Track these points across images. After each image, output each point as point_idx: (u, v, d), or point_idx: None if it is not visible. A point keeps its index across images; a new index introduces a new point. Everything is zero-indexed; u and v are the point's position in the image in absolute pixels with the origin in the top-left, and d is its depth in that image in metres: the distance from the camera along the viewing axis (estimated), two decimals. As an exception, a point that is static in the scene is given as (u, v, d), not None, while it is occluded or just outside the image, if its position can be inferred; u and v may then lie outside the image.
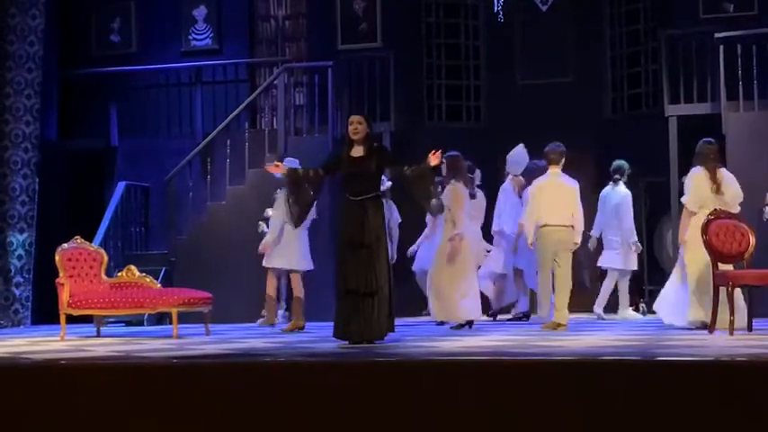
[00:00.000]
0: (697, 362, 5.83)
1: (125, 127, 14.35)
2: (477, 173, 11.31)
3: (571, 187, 9.88)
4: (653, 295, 11.67)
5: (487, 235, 11.63)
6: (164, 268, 12.95)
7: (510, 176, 11.68)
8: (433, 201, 8.37)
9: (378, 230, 8.08)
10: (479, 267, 11.02)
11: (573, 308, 10.04)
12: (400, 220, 11.69)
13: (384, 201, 8.55)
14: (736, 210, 9.28)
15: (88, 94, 14.38)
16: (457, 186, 10.15)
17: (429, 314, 10.85)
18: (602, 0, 14.19)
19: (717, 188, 9.37)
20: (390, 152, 8.76)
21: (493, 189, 11.79)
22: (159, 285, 10.59)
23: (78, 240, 10.54)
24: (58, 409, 5.78)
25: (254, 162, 13.16)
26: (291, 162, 10.81)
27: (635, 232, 11.71)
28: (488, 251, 11.54)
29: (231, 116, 13.52)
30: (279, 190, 10.63)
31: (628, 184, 11.85)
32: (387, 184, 10.09)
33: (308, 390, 5.60)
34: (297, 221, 8.74)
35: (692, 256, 9.30)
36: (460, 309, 10.04)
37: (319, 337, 8.98)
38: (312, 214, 9.39)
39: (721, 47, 12.21)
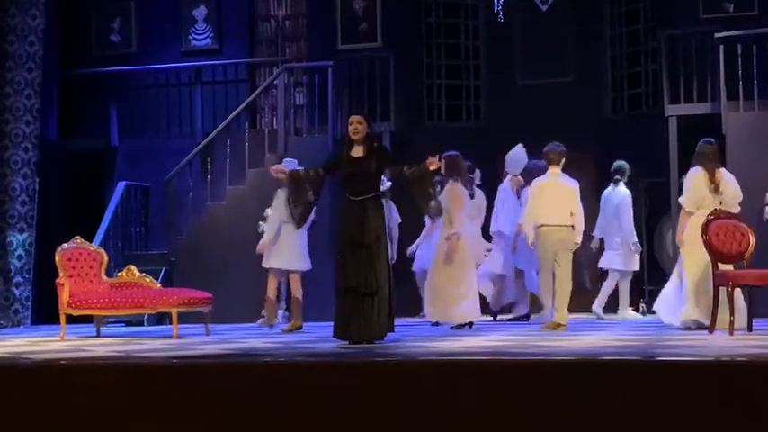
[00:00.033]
0: (697, 362, 5.83)
1: (125, 127, 14.35)
2: (477, 173, 11.31)
3: (571, 187, 9.88)
4: (653, 295, 11.67)
5: (487, 235, 11.63)
6: (164, 268, 12.95)
7: (508, 176, 11.68)
8: (432, 203, 8.38)
9: (378, 230, 8.08)
10: (478, 267, 11.02)
11: (573, 308, 10.04)
12: (400, 221, 11.70)
13: (384, 201, 8.56)
14: (736, 210, 9.28)
15: (88, 94, 14.38)
16: (455, 186, 10.15)
17: (424, 315, 10.85)
18: (602, 0, 14.19)
19: (715, 188, 9.36)
20: (390, 152, 8.76)
21: (493, 189, 11.78)
22: (159, 285, 10.59)
23: (78, 240, 10.55)
24: (58, 409, 5.78)
25: (254, 162, 13.17)
26: (290, 163, 10.83)
27: (635, 233, 11.69)
28: (488, 251, 11.54)
29: (231, 116, 13.52)
30: (279, 190, 10.63)
31: (628, 185, 11.85)
32: (387, 184, 10.09)
33: (308, 390, 5.60)
34: (299, 222, 8.76)
35: (690, 256, 9.30)
36: (459, 309, 10.04)
37: (319, 337, 8.98)
38: (311, 215, 9.39)
39: (721, 47, 12.21)
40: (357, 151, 8.19)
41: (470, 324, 10.07)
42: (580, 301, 11.47)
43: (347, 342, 7.99)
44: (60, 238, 10.68)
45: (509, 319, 11.63)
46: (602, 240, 11.88)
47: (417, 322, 10.88)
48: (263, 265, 10.66)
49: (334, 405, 5.53)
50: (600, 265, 11.89)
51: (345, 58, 13.64)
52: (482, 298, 10.84)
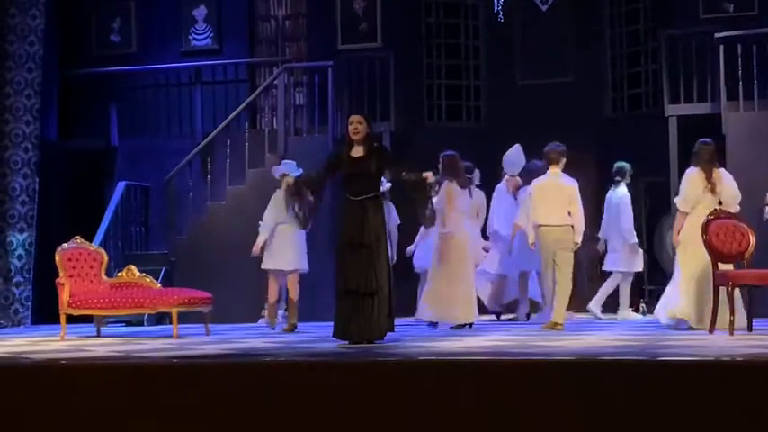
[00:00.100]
0: (697, 362, 5.83)
1: (125, 127, 14.35)
2: (477, 173, 11.31)
3: (570, 187, 9.88)
4: (653, 295, 11.68)
5: (485, 236, 11.63)
6: (164, 268, 12.95)
7: (506, 176, 11.68)
8: (427, 212, 8.42)
9: (378, 230, 8.08)
10: (477, 267, 11.04)
11: (573, 308, 10.04)
12: (399, 222, 11.71)
13: (384, 202, 8.56)
14: (736, 209, 9.28)
15: (88, 94, 14.38)
16: (450, 186, 10.17)
17: (419, 318, 10.84)
18: (602, 0, 14.19)
19: (712, 188, 9.35)
20: (390, 153, 8.75)
21: (493, 189, 11.78)
22: (159, 285, 10.59)
23: (78, 240, 10.55)
24: (58, 409, 5.78)
25: (254, 162, 13.17)
26: (289, 164, 10.83)
27: (634, 233, 11.65)
28: (487, 251, 11.54)
29: (231, 116, 13.52)
30: (277, 191, 10.64)
31: (629, 185, 11.83)
32: (387, 185, 10.10)
33: (308, 390, 5.60)
34: (304, 225, 8.80)
35: (686, 255, 9.31)
36: (457, 309, 10.04)
37: (319, 337, 8.98)
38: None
39: (721, 47, 12.21)
40: (357, 151, 8.20)
41: (470, 324, 10.08)
42: (580, 301, 11.47)
43: (347, 342, 7.99)
44: (60, 238, 10.68)
45: (509, 319, 11.63)
46: (606, 242, 11.87)
47: (417, 322, 10.88)
48: (262, 267, 10.66)
49: (334, 405, 5.53)
50: (604, 267, 11.86)
51: (345, 58, 13.64)
52: (478, 299, 10.84)
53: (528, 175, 11.03)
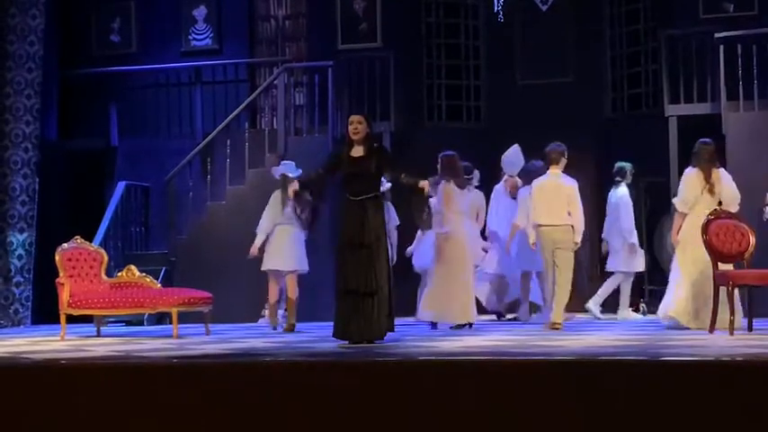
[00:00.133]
0: (697, 362, 5.83)
1: (125, 127, 14.35)
2: (476, 174, 11.30)
3: (570, 187, 9.88)
4: (653, 295, 11.68)
5: (484, 236, 11.62)
6: (164, 268, 12.95)
7: (505, 177, 11.67)
8: (424, 216, 8.43)
9: (378, 230, 8.08)
10: (477, 267, 11.04)
11: (573, 308, 10.03)
12: (398, 223, 11.71)
13: (383, 201, 8.55)
14: (735, 209, 9.27)
15: (88, 94, 14.38)
16: (448, 186, 10.17)
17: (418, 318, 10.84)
18: (602, 0, 14.19)
19: (710, 189, 9.35)
20: (390, 154, 8.72)
21: (492, 189, 11.78)
22: (159, 285, 10.59)
23: (78, 240, 10.55)
24: (58, 409, 5.78)
25: (255, 162, 13.17)
26: (288, 165, 10.83)
27: (634, 233, 11.62)
28: (486, 251, 11.53)
29: (231, 116, 13.52)
30: (275, 192, 10.64)
31: (630, 185, 11.81)
32: (386, 185, 10.11)
33: (308, 390, 5.60)
34: (308, 227, 8.80)
35: (686, 256, 9.31)
36: (456, 309, 10.05)
37: (319, 337, 8.98)
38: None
39: (721, 47, 12.20)
40: (357, 151, 8.20)
41: (470, 324, 10.08)
42: (580, 301, 11.47)
43: (347, 342, 7.99)
44: (60, 238, 10.67)
45: (510, 319, 11.63)
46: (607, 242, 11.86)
47: (417, 322, 10.88)
48: (262, 268, 10.66)
49: (334, 405, 5.53)
50: (607, 268, 11.84)
51: (345, 58, 13.63)
52: (477, 299, 10.84)
53: (527, 176, 11.03)
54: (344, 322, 8.02)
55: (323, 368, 5.98)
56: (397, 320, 8.48)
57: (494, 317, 11.93)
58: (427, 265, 10.72)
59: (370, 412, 5.50)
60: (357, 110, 10.56)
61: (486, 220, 11.57)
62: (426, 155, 10.87)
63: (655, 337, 8.11)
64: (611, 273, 11.72)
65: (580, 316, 11.42)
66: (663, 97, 12.81)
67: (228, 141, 13.41)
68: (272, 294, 10.74)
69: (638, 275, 11.96)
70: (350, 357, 6.79)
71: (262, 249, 10.64)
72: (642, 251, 11.73)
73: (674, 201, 9.62)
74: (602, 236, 11.82)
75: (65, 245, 10.37)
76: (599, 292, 11.72)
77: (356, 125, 8.17)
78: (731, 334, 8.26)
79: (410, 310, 11.39)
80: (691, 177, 9.44)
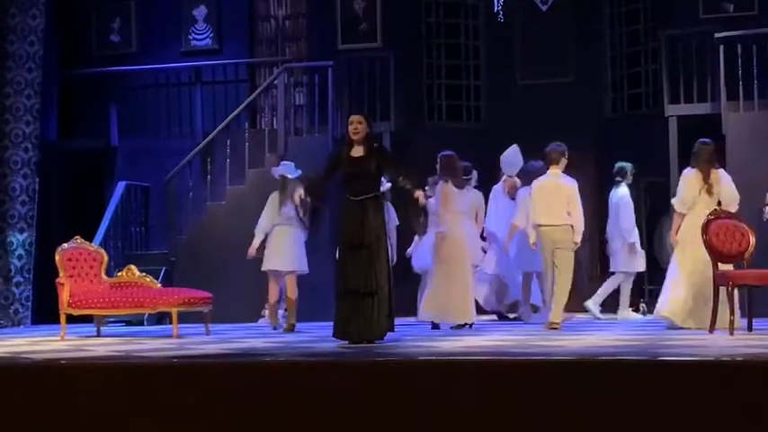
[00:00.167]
0: (697, 362, 5.83)
1: (125, 127, 14.35)
2: (474, 174, 11.30)
3: (569, 187, 9.88)
4: (653, 295, 11.67)
5: (483, 236, 11.62)
6: (164, 268, 12.95)
7: (503, 177, 11.66)
8: (420, 220, 8.43)
9: (378, 230, 8.08)
10: (477, 267, 11.03)
11: (572, 308, 10.03)
12: (398, 223, 11.71)
13: (383, 202, 8.55)
14: (735, 210, 9.27)
15: (88, 94, 14.38)
16: (446, 186, 10.18)
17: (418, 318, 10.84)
18: (602, 0, 14.19)
19: (709, 189, 9.34)
20: (390, 155, 8.63)
21: (491, 190, 11.78)
22: (159, 285, 10.59)
23: (78, 240, 10.55)
24: (58, 409, 5.78)
25: (255, 162, 13.17)
26: (286, 165, 10.83)
27: (634, 233, 11.60)
28: (485, 251, 11.53)
29: (231, 116, 13.52)
30: (273, 193, 10.64)
31: (631, 185, 11.81)
32: (386, 185, 10.11)
33: (308, 390, 5.60)
34: (313, 230, 8.80)
35: (685, 256, 9.31)
36: (456, 309, 10.05)
37: (319, 337, 8.98)
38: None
39: (721, 47, 12.20)
40: (357, 151, 8.19)
41: (470, 324, 10.08)
42: (580, 301, 11.47)
43: (347, 342, 7.99)
44: (60, 238, 10.67)
45: (511, 319, 11.62)
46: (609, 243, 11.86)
47: (417, 322, 10.88)
48: (262, 269, 10.66)
49: (335, 405, 5.53)
50: (611, 269, 11.83)
51: (345, 58, 13.63)
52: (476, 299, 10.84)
53: (526, 176, 11.02)
54: (344, 322, 8.02)
55: (323, 368, 5.98)
56: (398, 320, 8.47)
57: (494, 317, 11.93)
58: (426, 266, 10.72)
59: (370, 412, 5.50)
60: (357, 110, 10.56)
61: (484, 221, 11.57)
62: (426, 155, 10.87)
63: (655, 337, 8.11)
64: (612, 273, 11.72)
65: (580, 316, 11.41)
66: (663, 97, 12.81)
67: (228, 141, 13.41)
68: (272, 294, 10.75)
69: (638, 275, 11.96)
70: (350, 357, 6.79)
71: (260, 250, 10.64)
72: (642, 251, 11.72)
73: (673, 201, 9.62)
74: (606, 236, 11.81)
75: (65, 245, 10.37)
76: (599, 292, 11.71)
77: (356, 125, 8.17)
78: (731, 334, 8.26)
79: (410, 310, 11.39)
80: (689, 178, 9.44)
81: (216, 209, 13.22)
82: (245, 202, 12.67)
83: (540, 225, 9.89)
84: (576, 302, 10.81)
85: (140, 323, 12.18)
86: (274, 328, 10.57)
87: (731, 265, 8.94)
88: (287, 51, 14.56)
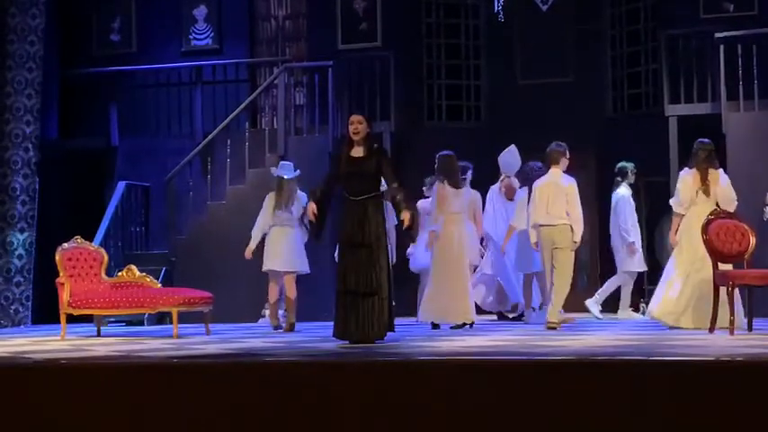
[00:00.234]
0: (697, 362, 5.83)
1: (125, 127, 14.35)
2: (469, 173, 11.27)
3: (569, 186, 9.88)
4: (653, 295, 11.66)
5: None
6: (164, 268, 12.95)
7: (502, 177, 11.65)
8: (411, 232, 8.43)
9: (377, 230, 8.08)
10: (476, 267, 11.02)
11: (573, 308, 10.02)
12: (396, 223, 11.70)
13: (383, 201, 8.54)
14: (732, 211, 9.25)
15: (88, 93, 14.39)
16: (441, 187, 10.19)
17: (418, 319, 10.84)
18: (602, 0, 14.19)
19: (705, 190, 9.33)
20: (389, 159, 8.42)
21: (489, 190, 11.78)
22: (159, 285, 10.59)
23: (78, 240, 10.55)
24: (58, 409, 5.78)
25: (255, 162, 13.17)
26: (285, 166, 10.83)
27: (633, 232, 11.58)
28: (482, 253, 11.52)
29: (231, 116, 13.52)
30: (270, 194, 10.64)
31: (632, 185, 11.79)
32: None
33: (308, 390, 5.60)
34: (317, 237, 8.78)
35: (683, 257, 9.31)
36: (455, 309, 10.05)
37: (319, 337, 8.98)
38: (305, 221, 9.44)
39: (721, 47, 12.20)
40: (357, 151, 8.19)
41: (470, 324, 10.08)
42: (580, 301, 11.47)
43: (347, 342, 7.99)
44: (60, 238, 10.67)
45: (512, 318, 11.61)
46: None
47: (417, 322, 10.88)
48: (263, 269, 10.67)
49: (335, 405, 5.53)
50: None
51: (345, 58, 13.64)
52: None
53: (524, 177, 11.01)
54: (344, 322, 8.02)
55: (323, 368, 5.98)
56: (397, 320, 8.47)
57: (494, 317, 11.93)
58: (422, 266, 10.72)
59: (370, 412, 5.50)
60: (357, 110, 10.56)
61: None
62: (426, 155, 10.88)
63: (655, 337, 8.11)
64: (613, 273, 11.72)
65: (580, 316, 11.40)
66: (663, 97, 12.82)
67: (229, 141, 13.41)
68: (272, 294, 10.75)
69: (639, 275, 11.96)
70: (350, 357, 6.79)
71: (258, 250, 10.64)
72: (641, 250, 11.72)
73: (671, 202, 9.61)
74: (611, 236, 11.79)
75: (65, 245, 10.37)
76: (599, 292, 11.72)
77: (356, 125, 8.17)
78: (731, 334, 8.26)
79: (410, 310, 11.40)
80: (686, 178, 9.43)
81: (216, 209, 13.22)
82: (245, 201, 12.66)
83: (540, 225, 9.89)
84: (576, 303, 10.81)
85: (140, 323, 12.18)
86: (274, 328, 10.57)
87: (731, 265, 8.94)
88: (287, 51, 14.56)
